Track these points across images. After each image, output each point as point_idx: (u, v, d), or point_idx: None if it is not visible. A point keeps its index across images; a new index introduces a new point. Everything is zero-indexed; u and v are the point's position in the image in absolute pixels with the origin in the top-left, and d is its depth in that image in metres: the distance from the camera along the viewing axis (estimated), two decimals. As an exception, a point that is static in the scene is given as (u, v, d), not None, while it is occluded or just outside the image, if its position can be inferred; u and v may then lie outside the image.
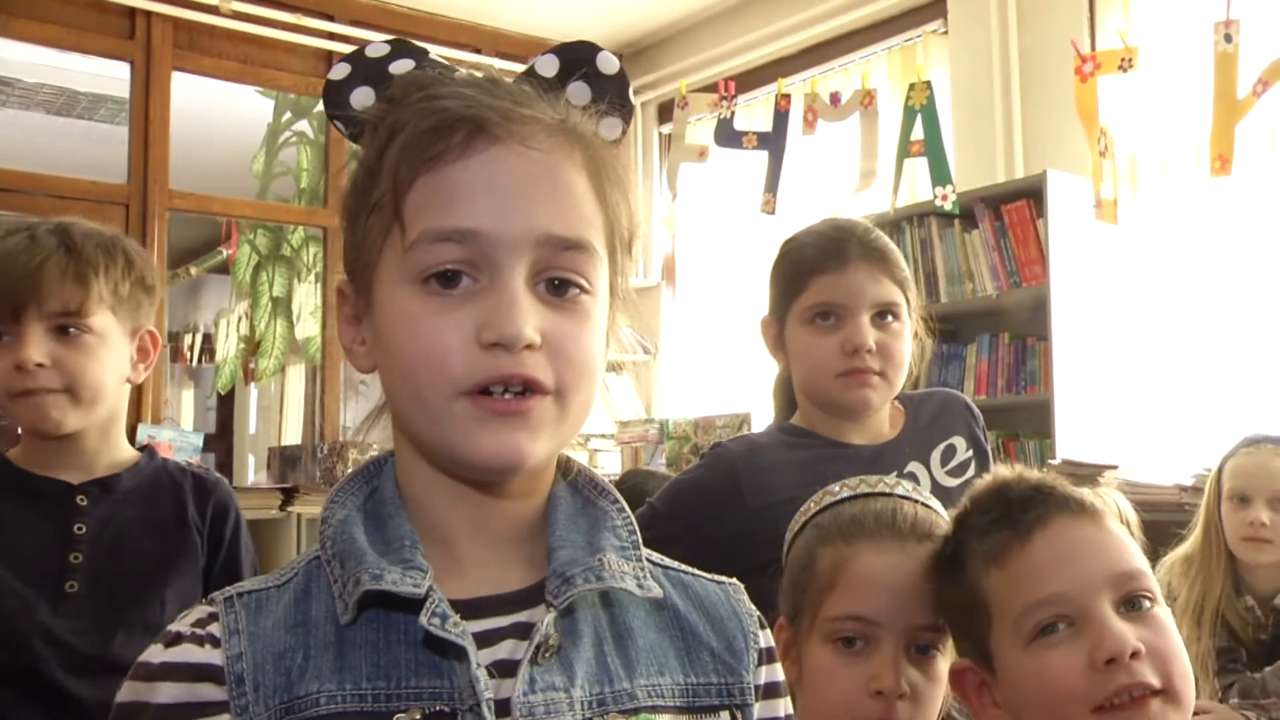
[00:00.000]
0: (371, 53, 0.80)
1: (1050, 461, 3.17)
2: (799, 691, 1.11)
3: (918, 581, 1.09)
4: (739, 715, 0.80)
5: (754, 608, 0.86)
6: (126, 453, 1.52)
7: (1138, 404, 3.48)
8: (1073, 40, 3.22)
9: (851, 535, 1.13)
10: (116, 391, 1.47)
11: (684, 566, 0.86)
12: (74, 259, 1.40)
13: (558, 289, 0.73)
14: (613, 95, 0.81)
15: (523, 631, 0.74)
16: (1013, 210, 3.50)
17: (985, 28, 3.94)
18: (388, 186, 0.72)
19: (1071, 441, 3.30)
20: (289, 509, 3.84)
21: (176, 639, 0.72)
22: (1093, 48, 3.52)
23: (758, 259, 4.11)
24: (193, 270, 6.65)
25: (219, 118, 5.33)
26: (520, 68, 0.81)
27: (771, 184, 3.78)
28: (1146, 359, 3.50)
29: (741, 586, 0.87)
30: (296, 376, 6.27)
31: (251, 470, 6.71)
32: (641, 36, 5.26)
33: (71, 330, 1.40)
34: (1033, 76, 3.85)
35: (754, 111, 4.79)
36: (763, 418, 2.05)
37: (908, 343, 1.52)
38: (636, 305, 0.86)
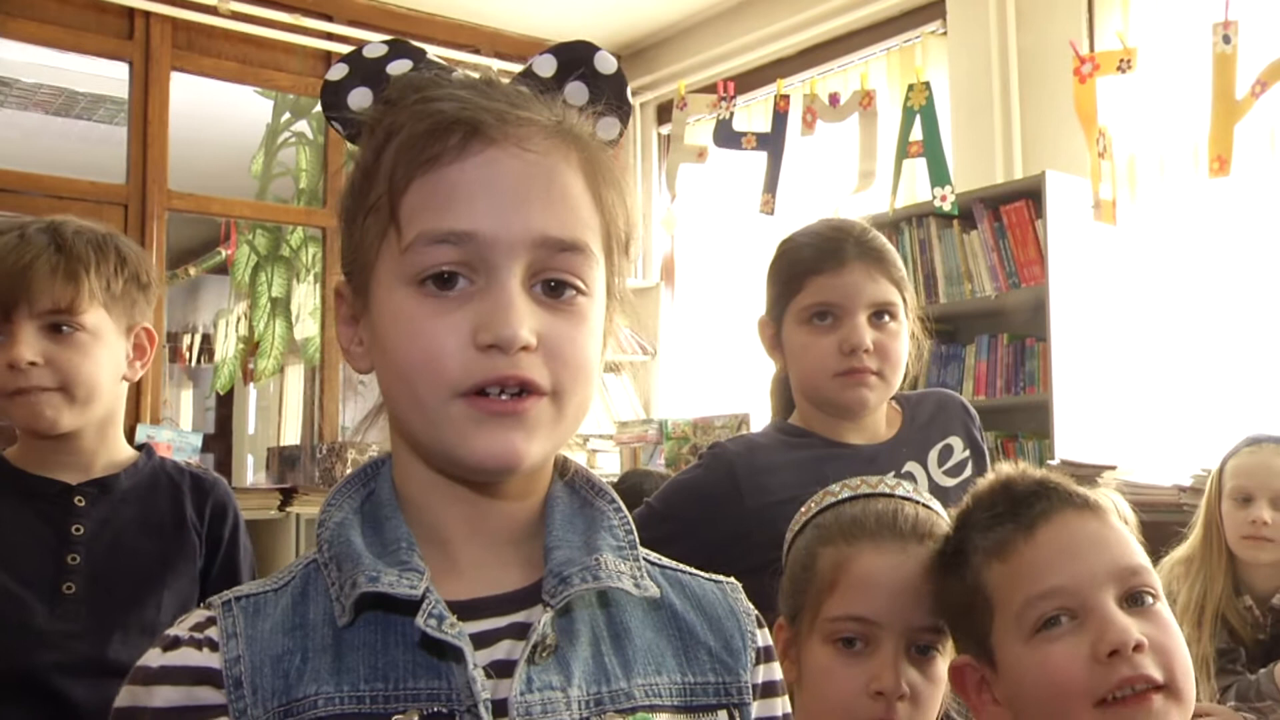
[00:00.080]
0: (369, 53, 0.80)
1: (1049, 462, 3.17)
2: (799, 692, 1.11)
3: (918, 582, 1.09)
4: (736, 714, 0.80)
5: (751, 606, 0.86)
6: (124, 452, 1.51)
7: (1136, 405, 3.48)
8: (1071, 41, 3.22)
9: (852, 536, 1.13)
10: (113, 390, 1.46)
11: (681, 566, 0.86)
12: (64, 256, 1.39)
13: (554, 291, 0.73)
14: (610, 95, 0.81)
15: (520, 632, 0.74)
16: (1011, 211, 3.50)
17: (984, 29, 3.93)
18: (384, 188, 0.72)
19: (1070, 442, 3.30)
20: (288, 509, 3.83)
21: (175, 643, 0.72)
22: (1091, 49, 3.52)
23: (757, 260, 4.10)
24: (191, 270, 6.63)
25: (218, 118, 5.33)
26: (518, 68, 0.81)
27: (770, 185, 3.78)
28: (1145, 359, 3.50)
29: (739, 585, 0.87)
30: (295, 377, 6.26)
31: (250, 470, 6.71)
32: (640, 37, 5.26)
33: (64, 328, 1.39)
34: (1031, 77, 3.85)
35: (753, 112, 4.79)
36: (761, 418, 2.05)
37: (905, 342, 1.53)
38: (634, 306, 0.86)
